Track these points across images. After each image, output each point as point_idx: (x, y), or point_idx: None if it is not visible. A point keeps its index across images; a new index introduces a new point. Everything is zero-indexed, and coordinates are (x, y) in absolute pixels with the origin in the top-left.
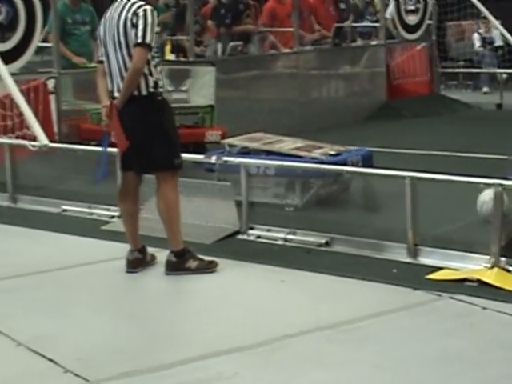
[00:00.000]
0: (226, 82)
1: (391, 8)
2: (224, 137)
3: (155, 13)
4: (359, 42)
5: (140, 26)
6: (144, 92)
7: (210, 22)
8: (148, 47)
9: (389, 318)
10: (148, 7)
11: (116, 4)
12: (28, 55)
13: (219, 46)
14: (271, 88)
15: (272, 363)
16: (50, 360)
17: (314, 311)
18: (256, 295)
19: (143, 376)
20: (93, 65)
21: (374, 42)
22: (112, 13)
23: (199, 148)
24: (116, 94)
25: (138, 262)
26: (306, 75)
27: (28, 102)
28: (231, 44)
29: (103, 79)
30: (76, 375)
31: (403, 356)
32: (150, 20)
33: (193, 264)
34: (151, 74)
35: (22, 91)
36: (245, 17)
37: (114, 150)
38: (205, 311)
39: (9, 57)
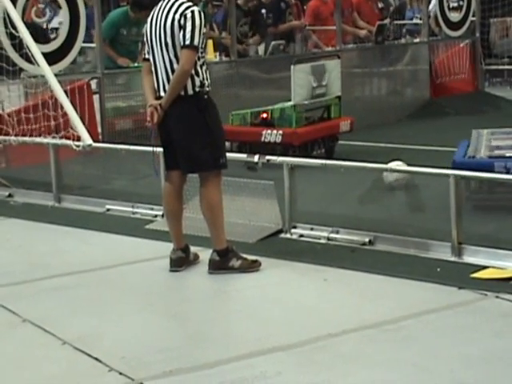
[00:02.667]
0: (269, 82)
1: (434, 5)
2: (353, 125)
3: (203, 14)
4: (402, 40)
5: (188, 28)
6: (190, 92)
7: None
8: (196, 49)
9: (433, 318)
10: (196, 8)
11: (163, 3)
12: (72, 56)
13: (262, 45)
14: None
15: (315, 363)
16: (95, 358)
17: (357, 310)
18: (299, 294)
19: (187, 374)
20: (136, 65)
21: (416, 40)
22: (159, 12)
23: (333, 141)
24: (162, 94)
25: (182, 261)
26: (349, 74)
27: (72, 102)
28: (273, 43)
29: (149, 77)
30: (120, 374)
31: (447, 356)
32: (198, 22)
33: (236, 263)
34: (198, 74)
35: (65, 92)
36: (287, 15)
37: (159, 149)
38: (248, 310)
39: (53, 58)
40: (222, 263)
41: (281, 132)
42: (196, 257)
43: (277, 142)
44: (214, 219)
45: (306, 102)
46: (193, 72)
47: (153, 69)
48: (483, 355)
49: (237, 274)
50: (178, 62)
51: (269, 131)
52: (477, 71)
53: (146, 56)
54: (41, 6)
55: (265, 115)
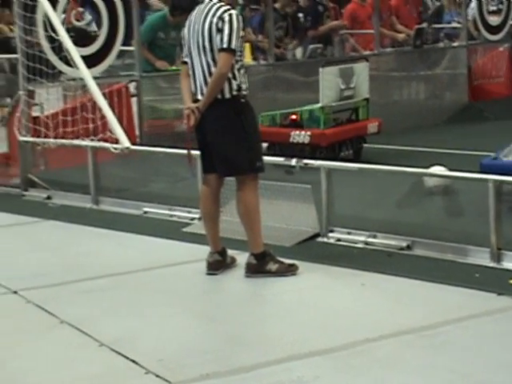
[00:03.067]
0: (306, 85)
1: (473, 9)
2: (380, 127)
3: (240, 17)
4: (440, 44)
5: (226, 31)
6: (227, 95)
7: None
8: (233, 52)
9: (470, 324)
10: (233, 12)
11: (201, 6)
12: (110, 59)
13: (299, 48)
14: None
15: (353, 367)
16: (132, 361)
17: (394, 315)
18: (336, 299)
19: (224, 378)
20: (174, 68)
21: (455, 44)
22: (197, 16)
23: (360, 142)
24: (199, 97)
25: (219, 265)
26: (387, 77)
27: (110, 105)
28: (311, 46)
29: (187, 80)
30: (157, 376)
31: (484, 363)
32: (235, 25)
33: (273, 267)
34: (235, 78)
35: (104, 94)
36: (325, 18)
37: (197, 152)
38: (285, 314)
39: (92, 61)
40: (259, 267)
41: (309, 133)
42: (233, 260)
43: (305, 142)
44: (251, 223)
45: (334, 104)
46: (230, 75)
47: (190, 72)
48: None
49: (274, 277)
50: (215, 66)
51: (297, 132)
52: None
53: (184, 59)
54: (80, 9)
55: (294, 116)
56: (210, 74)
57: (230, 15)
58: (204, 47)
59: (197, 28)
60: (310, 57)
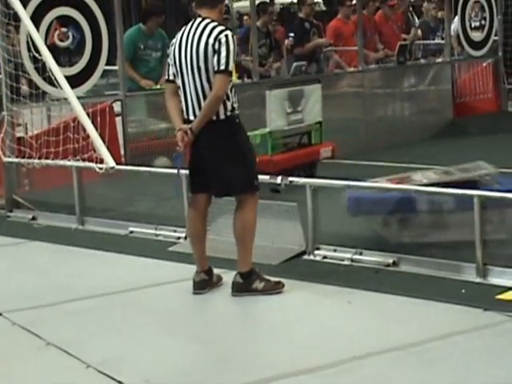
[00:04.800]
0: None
1: (456, 25)
2: (334, 151)
3: (235, 38)
4: (423, 60)
5: (223, 53)
6: (222, 116)
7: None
8: (230, 74)
9: (458, 340)
10: (229, 32)
11: (192, 26)
12: (94, 79)
13: (284, 66)
14: (336, 107)
15: None
16: (119, 382)
17: (381, 333)
18: (323, 316)
19: None
20: (158, 87)
21: (439, 60)
22: (188, 35)
23: (312, 167)
24: (191, 118)
25: (205, 284)
26: (372, 94)
27: (94, 124)
28: (295, 64)
29: (174, 99)
30: None
31: (474, 379)
32: (232, 47)
33: (259, 285)
34: (228, 98)
35: (88, 114)
36: (312, 35)
37: (184, 171)
38: (271, 333)
39: (76, 80)
40: (245, 285)
41: (257, 159)
42: (219, 279)
43: None
44: (246, 241)
45: (285, 128)
46: (224, 97)
47: (181, 92)
48: (511, 378)
49: (260, 296)
50: (210, 87)
51: None
52: (500, 91)
53: (170, 77)
54: (63, 29)
55: None
56: (204, 95)
57: (227, 36)
58: (199, 68)
59: (190, 48)
60: (293, 74)
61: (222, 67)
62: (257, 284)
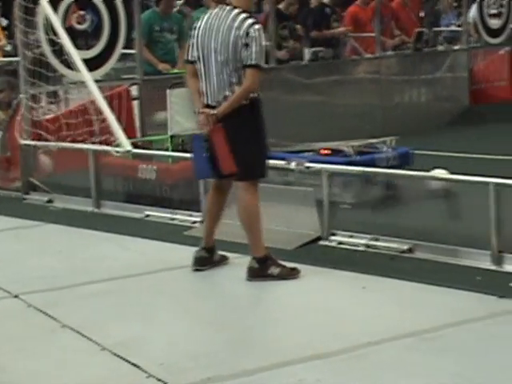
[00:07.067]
0: (308, 87)
1: (474, 12)
2: None
3: (262, 29)
4: (441, 47)
5: (254, 48)
6: (245, 101)
7: (298, 27)
8: (261, 69)
9: (472, 327)
10: (259, 26)
11: (219, 13)
12: (112, 62)
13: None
14: (353, 93)
15: (354, 371)
16: (134, 364)
17: (396, 319)
18: (337, 302)
19: (225, 382)
20: (176, 71)
21: (456, 47)
22: (216, 22)
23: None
24: (210, 102)
25: (205, 261)
26: (388, 80)
27: (111, 108)
28: (312, 49)
29: (194, 80)
30: (159, 380)
31: (486, 366)
32: (263, 42)
33: (275, 270)
34: None
35: (105, 97)
36: (332, 21)
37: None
38: (286, 318)
39: (93, 64)
40: (261, 270)
41: (155, 167)
42: (223, 258)
43: (152, 178)
44: (252, 226)
45: (187, 133)
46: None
47: (202, 77)
48: None
49: (276, 281)
50: (236, 77)
51: (144, 166)
52: None
53: (190, 58)
54: (81, 12)
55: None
56: (229, 83)
57: (258, 31)
58: (226, 57)
59: (217, 36)
60: (310, 60)
61: (254, 62)
62: (272, 269)
